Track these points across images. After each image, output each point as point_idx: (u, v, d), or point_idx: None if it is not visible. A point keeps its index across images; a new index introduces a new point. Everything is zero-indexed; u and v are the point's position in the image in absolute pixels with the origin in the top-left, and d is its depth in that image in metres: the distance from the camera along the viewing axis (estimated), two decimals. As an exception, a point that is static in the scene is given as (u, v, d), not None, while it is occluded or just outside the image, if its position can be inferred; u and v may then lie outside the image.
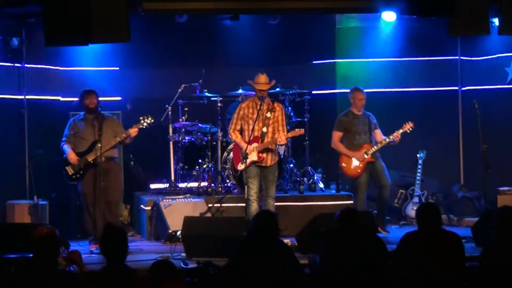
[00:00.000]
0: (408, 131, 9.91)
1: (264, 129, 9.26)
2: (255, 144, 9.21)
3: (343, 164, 9.93)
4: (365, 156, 9.83)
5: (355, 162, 9.87)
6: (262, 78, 9.25)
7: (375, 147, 9.89)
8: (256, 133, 9.23)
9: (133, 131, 9.18)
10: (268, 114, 9.26)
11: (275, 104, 9.38)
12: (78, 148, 9.22)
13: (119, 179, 9.67)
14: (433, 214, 6.32)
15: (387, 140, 9.89)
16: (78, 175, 9.16)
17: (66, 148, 9.24)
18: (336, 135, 9.99)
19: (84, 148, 9.18)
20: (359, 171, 9.86)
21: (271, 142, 9.25)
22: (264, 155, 9.23)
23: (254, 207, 9.11)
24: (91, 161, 9.07)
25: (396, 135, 9.86)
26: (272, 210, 8.91)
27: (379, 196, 10.00)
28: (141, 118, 9.31)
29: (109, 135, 9.17)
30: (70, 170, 9.19)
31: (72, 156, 9.16)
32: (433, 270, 6.11)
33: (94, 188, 9.07)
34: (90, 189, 9.11)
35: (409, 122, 9.92)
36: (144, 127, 9.28)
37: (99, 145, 8.98)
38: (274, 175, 9.36)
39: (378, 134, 10.03)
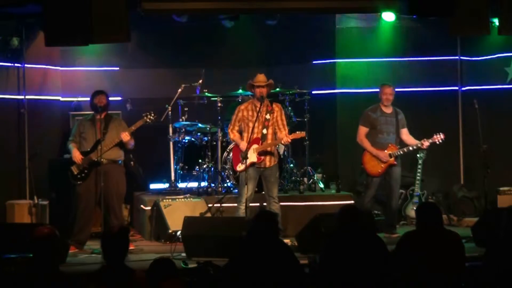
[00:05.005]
0: (437, 142, 9.79)
1: (264, 131, 9.24)
2: (255, 146, 9.19)
3: (365, 161, 9.81)
4: (390, 158, 9.74)
5: (377, 161, 9.78)
6: (261, 77, 9.25)
7: (400, 151, 9.77)
8: (256, 135, 9.22)
9: (124, 136, 9.08)
10: (268, 116, 9.24)
11: (274, 105, 9.36)
12: (83, 148, 9.22)
13: (120, 182, 9.28)
14: (433, 213, 6.30)
15: (414, 147, 9.81)
16: (83, 175, 9.14)
17: (71, 147, 9.26)
18: (363, 130, 9.85)
19: (88, 148, 9.18)
20: (379, 171, 9.76)
21: (272, 144, 9.23)
22: (264, 156, 9.23)
23: (242, 211, 9.07)
24: (95, 160, 9.05)
25: (424, 144, 9.73)
26: (277, 212, 8.93)
27: (388, 205, 9.94)
28: (143, 114, 9.26)
29: (112, 136, 9.15)
30: (75, 170, 9.17)
31: (76, 155, 9.15)
32: (432, 270, 6.10)
33: (95, 190, 9.05)
34: (87, 190, 9.10)
35: (440, 133, 9.79)
36: (147, 123, 9.22)
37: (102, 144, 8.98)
38: (275, 176, 9.34)
39: (405, 134, 9.90)
